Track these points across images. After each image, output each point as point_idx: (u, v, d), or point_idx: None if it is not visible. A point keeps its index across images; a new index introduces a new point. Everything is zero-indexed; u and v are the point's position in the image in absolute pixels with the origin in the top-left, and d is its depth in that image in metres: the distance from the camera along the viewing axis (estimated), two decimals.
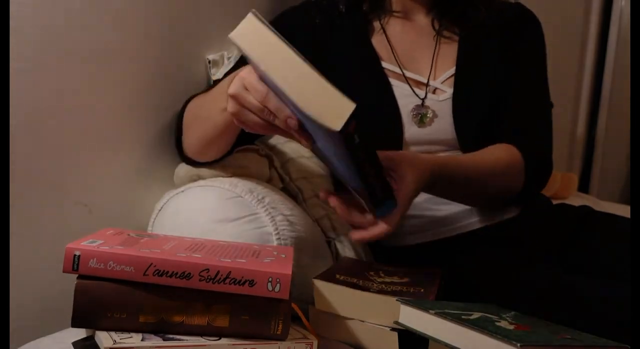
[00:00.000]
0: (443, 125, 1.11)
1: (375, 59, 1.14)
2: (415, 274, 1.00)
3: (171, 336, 0.73)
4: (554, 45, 1.30)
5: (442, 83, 1.13)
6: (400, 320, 0.83)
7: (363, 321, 0.87)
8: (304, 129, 0.78)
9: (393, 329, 0.84)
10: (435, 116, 1.11)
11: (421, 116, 1.11)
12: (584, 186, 2.42)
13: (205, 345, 0.72)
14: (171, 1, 1.12)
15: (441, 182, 0.97)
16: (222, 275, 0.73)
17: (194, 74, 1.17)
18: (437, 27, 1.17)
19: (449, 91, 1.12)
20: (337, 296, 0.89)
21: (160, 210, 1.07)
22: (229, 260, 0.75)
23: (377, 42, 1.16)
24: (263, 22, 0.72)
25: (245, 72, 0.80)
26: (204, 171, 1.08)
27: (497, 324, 0.76)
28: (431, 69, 1.14)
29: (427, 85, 1.12)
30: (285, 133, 0.82)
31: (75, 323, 0.72)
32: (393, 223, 0.85)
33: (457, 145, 1.12)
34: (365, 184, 0.80)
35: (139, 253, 0.73)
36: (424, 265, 1.06)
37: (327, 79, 0.69)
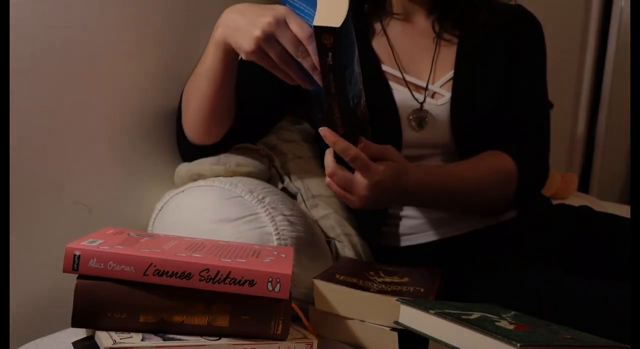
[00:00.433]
0: (440, 129, 1.11)
1: (376, 62, 1.14)
2: (415, 274, 1.00)
3: (171, 336, 0.73)
4: (554, 45, 1.29)
5: (440, 87, 1.13)
6: (400, 320, 0.83)
7: (363, 321, 0.87)
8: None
9: (393, 329, 0.84)
10: (433, 119, 1.11)
11: (419, 120, 1.11)
12: (584, 186, 2.42)
13: (205, 345, 0.72)
14: (171, 1, 1.12)
15: (423, 196, 1.00)
16: (222, 275, 0.73)
17: None
18: (437, 29, 1.16)
19: (447, 95, 1.12)
20: (337, 296, 0.89)
21: (160, 210, 1.07)
22: (229, 260, 0.75)
23: (378, 44, 1.16)
24: None
25: (284, 9, 0.86)
26: (204, 169, 1.08)
27: (497, 324, 0.76)
28: (430, 72, 1.14)
29: (425, 89, 1.12)
30: (288, 77, 0.89)
31: (75, 323, 0.72)
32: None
33: (454, 149, 1.12)
34: (329, 111, 0.84)
35: (139, 253, 0.73)
36: (424, 265, 1.06)
37: None
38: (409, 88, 1.12)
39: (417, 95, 1.12)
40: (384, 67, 1.14)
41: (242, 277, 0.73)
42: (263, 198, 1.01)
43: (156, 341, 0.71)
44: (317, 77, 0.86)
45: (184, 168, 1.10)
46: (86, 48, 1.00)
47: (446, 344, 0.76)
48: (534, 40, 1.20)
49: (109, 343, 0.68)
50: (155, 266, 0.72)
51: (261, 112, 1.14)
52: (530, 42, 1.19)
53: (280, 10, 0.86)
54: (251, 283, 0.73)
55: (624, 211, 1.31)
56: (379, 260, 1.15)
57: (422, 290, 0.91)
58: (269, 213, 0.99)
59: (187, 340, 0.72)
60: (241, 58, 0.97)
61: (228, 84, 1.01)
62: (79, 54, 0.99)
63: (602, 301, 0.86)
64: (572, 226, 1.11)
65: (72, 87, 0.99)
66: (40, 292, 0.97)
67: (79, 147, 1.02)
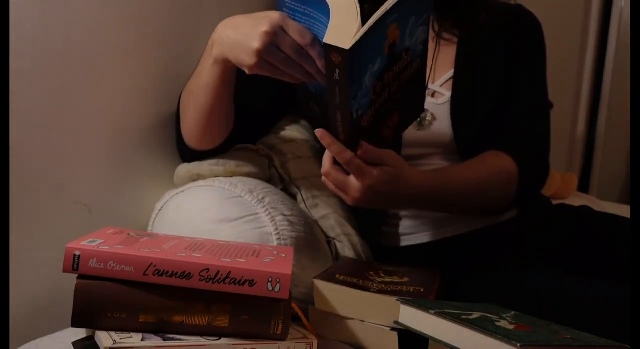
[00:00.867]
0: (441, 128, 1.11)
1: None
2: (415, 274, 1.00)
3: (171, 336, 0.73)
4: (554, 45, 1.29)
5: (440, 86, 1.13)
6: (400, 320, 0.83)
7: (363, 321, 0.87)
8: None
9: (393, 329, 0.84)
10: (434, 119, 1.11)
11: (420, 119, 1.11)
12: (584, 186, 2.42)
13: (205, 345, 0.72)
14: (171, 1, 1.12)
15: (422, 200, 1.01)
16: (222, 275, 0.73)
17: None
18: (437, 28, 1.16)
19: (447, 94, 1.12)
20: (337, 296, 0.89)
21: (160, 210, 1.07)
22: (229, 260, 0.75)
23: None
24: None
25: (278, 16, 0.85)
26: (204, 170, 1.08)
27: (497, 324, 0.76)
28: (430, 71, 1.14)
29: (426, 88, 1.12)
30: (294, 79, 0.88)
31: (75, 323, 0.72)
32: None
33: (455, 148, 1.12)
34: (332, 116, 0.84)
35: (139, 253, 0.73)
36: (424, 265, 1.06)
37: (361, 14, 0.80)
38: None
39: None
40: None
41: (242, 277, 0.73)
42: (263, 198, 1.01)
43: (156, 341, 0.71)
44: (320, 79, 0.86)
45: (184, 169, 1.10)
46: (86, 48, 1.00)
47: (446, 344, 0.76)
48: (534, 40, 1.20)
49: (109, 343, 0.68)
50: (155, 266, 0.72)
51: (260, 114, 1.14)
52: (531, 42, 1.19)
53: (275, 17, 0.84)
54: (251, 283, 0.73)
55: (624, 211, 1.31)
56: (379, 260, 1.15)
57: (422, 290, 0.91)
58: (269, 213, 0.99)
59: (187, 340, 0.72)
60: None
61: (226, 97, 1.01)
62: (79, 54, 0.99)
63: (602, 301, 0.86)
64: (572, 226, 1.11)
65: (72, 87, 0.99)
66: (40, 292, 0.97)
67: (79, 147, 1.02)
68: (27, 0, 0.92)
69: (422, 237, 1.14)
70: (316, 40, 0.84)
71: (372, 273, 0.98)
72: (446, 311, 0.79)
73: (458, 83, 1.12)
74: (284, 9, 0.86)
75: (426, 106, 1.11)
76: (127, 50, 1.06)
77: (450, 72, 1.13)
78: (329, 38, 0.77)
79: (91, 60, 1.01)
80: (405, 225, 1.15)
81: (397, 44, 0.83)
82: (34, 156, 0.96)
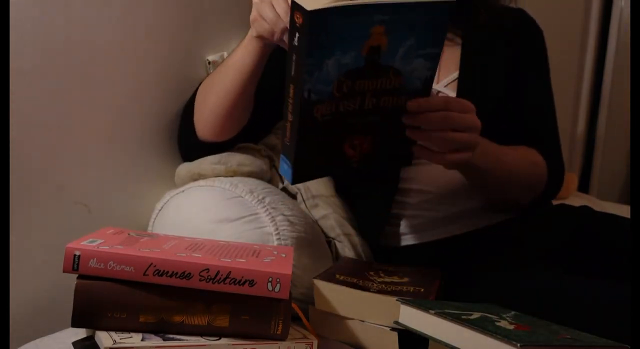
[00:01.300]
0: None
1: None
2: (415, 274, 1.00)
3: (171, 336, 0.73)
4: (554, 45, 1.30)
5: (445, 87, 1.13)
6: (400, 320, 0.83)
7: (363, 321, 0.87)
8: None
9: (393, 329, 0.84)
10: None
11: None
12: (584, 186, 2.42)
13: (205, 345, 0.72)
14: (171, 2, 1.12)
15: (490, 157, 0.99)
16: (222, 275, 0.73)
17: (194, 75, 1.17)
18: None
19: (451, 95, 1.12)
20: (337, 296, 0.89)
21: (160, 210, 1.07)
22: (229, 260, 0.75)
23: None
24: None
25: None
26: (205, 169, 1.08)
27: (497, 324, 0.76)
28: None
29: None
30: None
31: (75, 323, 0.72)
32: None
33: None
34: (286, 92, 0.81)
35: (139, 253, 0.73)
36: (424, 265, 1.06)
37: None
38: None
39: None
40: None
41: (242, 277, 0.73)
42: (263, 198, 1.01)
43: (156, 341, 0.71)
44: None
45: (185, 168, 1.10)
46: (86, 48, 1.00)
47: (446, 344, 0.76)
48: (537, 47, 1.22)
49: (109, 343, 0.68)
50: (155, 266, 0.72)
51: (268, 110, 1.14)
52: (534, 48, 1.22)
53: None
54: (251, 283, 0.73)
55: (624, 211, 1.31)
56: (379, 260, 1.15)
57: (422, 290, 0.91)
58: (269, 213, 0.99)
59: (187, 340, 0.72)
60: None
61: (253, 79, 1.02)
62: (79, 54, 0.99)
63: (602, 301, 0.86)
64: (572, 226, 1.11)
65: (72, 87, 0.99)
66: (40, 292, 0.97)
67: (79, 147, 1.02)
68: (27, 0, 0.92)
69: (422, 237, 1.14)
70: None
71: (372, 273, 0.98)
72: (446, 311, 0.79)
73: (463, 84, 1.12)
74: None
75: None
76: (127, 51, 1.06)
77: (455, 74, 1.14)
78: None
79: (91, 61, 1.01)
80: (405, 225, 1.15)
81: (381, 52, 0.80)
82: (34, 156, 0.96)
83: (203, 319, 0.74)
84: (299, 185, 1.17)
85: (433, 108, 0.86)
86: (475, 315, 0.79)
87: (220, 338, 0.74)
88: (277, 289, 0.73)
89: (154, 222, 1.08)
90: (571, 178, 1.97)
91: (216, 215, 0.99)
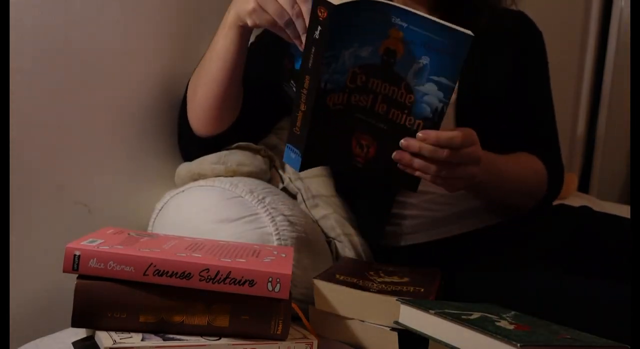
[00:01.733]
0: (446, 126, 1.11)
1: None
2: (415, 274, 1.00)
3: (171, 336, 0.73)
4: (554, 45, 1.30)
5: None
6: (400, 320, 0.83)
7: (363, 321, 0.87)
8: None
9: (393, 329, 0.84)
10: None
11: None
12: (584, 186, 2.42)
13: (205, 345, 0.72)
14: (170, 2, 1.12)
15: (492, 173, 1.00)
16: (222, 275, 0.73)
17: None
18: None
19: (452, 97, 1.12)
20: (337, 296, 0.89)
21: (160, 210, 1.07)
22: (229, 260, 0.75)
23: None
24: None
25: None
26: (205, 169, 1.07)
27: (497, 324, 0.76)
28: None
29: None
30: (287, 36, 0.89)
31: (75, 323, 0.72)
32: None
33: None
34: (299, 84, 0.82)
35: (139, 253, 0.73)
36: (424, 265, 1.06)
37: None
38: None
39: None
40: None
41: (242, 277, 0.73)
42: (263, 198, 1.01)
43: (156, 341, 0.71)
44: (298, 44, 0.86)
45: (185, 168, 1.10)
46: (86, 48, 1.00)
47: (446, 344, 0.76)
48: (537, 49, 1.23)
49: (109, 343, 0.68)
50: (155, 266, 0.72)
51: (265, 106, 1.14)
52: (534, 50, 1.23)
53: None
54: (251, 283, 0.73)
55: (624, 211, 1.31)
56: (379, 260, 1.15)
57: (422, 290, 0.91)
58: (269, 213, 0.99)
59: (187, 340, 0.72)
60: (249, 48, 1.00)
61: (238, 66, 1.02)
62: (79, 53, 0.99)
63: (602, 301, 0.87)
64: (572, 226, 1.12)
65: (72, 87, 0.99)
66: (40, 292, 0.97)
67: (79, 147, 1.02)
68: (27, 0, 0.92)
69: (422, 237, 1.14)
70: None
71: (372, 273, 0.98)
72: (446, 311, 0.79)
73: (464, 84, 1.12)
74: None
75: None
76: (127, 51, 1.06)
77: None
78: None
79: (91, 61, 1.01)
80: (406, 225, 1.15)
81: (397, 58, 0.82)
82: (34, 156, 0.96)
83: (203, 319, 0.74)
84: (299, 185, 1.17)
85: (443, 143, 0.86)
86: (475, 315, 0.79)
87: (220, 338, 0.74)
88: (277, 289, 0.73)
89: (154, 222, 1.08)
90: (571, 178, 1.97)
91: (216, 215, 0.99)
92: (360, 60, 0.82)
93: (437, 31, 0.80)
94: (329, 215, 1.15)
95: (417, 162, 0.86)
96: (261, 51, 1.12)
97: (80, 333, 0.76)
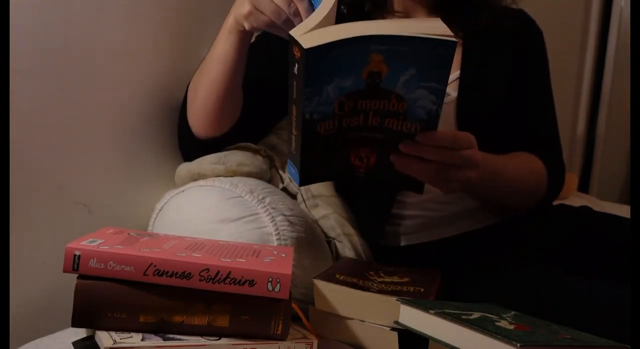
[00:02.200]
0: (447, 127, 1.11)
1: None
2: (415, 274, 1.00)
3: (171, 336, 0.73)
4: (554, 45, 1.30)
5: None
6: (400, 320, 0.83)
7: (363, 321, 0.87)
8: None
9: (393, 329, 0.84)
10: None
11: None
12: (584, 186, 2.42)
13: (205, 345, 0.72)
14: (171, 2, 1.12)
15: (490, 174, 1.00)
16: (222, 275, 0.73)
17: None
18: None
19: (453, 94, 1.12)
20: (337, 296, 0.89)
21: (160, 210, 1.07)
22: (229, 260, 0.75)
23: None
24: None
25: None
26: (205, 169, 1.08)
27: (497, 324, 0.76)
28: None
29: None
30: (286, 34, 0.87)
31: (75, 323, 0.72)
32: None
33: None
34: (290, 109, 0.81)
35: (139, 253, 0.73)
36: (424, 265, 1.06)
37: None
38: None
39: None
40: None
41: (242, 277, 0.73)
42: (263, 198, 1.01)
43: (156, 341, 0.71)
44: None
45: (185, 168, 1.10)
46: (86, 48, 1.00)
47: (446, 344, 0.76)
48: (538, 48, 1.23)
49: (109, 343, 0.68)
50: (155, 266, 0.72)
51: (266, 107, 1.14)
52: (535, 49, 1.22)
53: None
54: (251, 283, 0.73)
55: (624, 211, 1.31)
56: (379, 260, 1.15)
57: (422, 290, 0.91)
58: (269, 213, 0.99)
59: (187, 340, 0.72)
60: (250, 49, 1.00)
61: (239, 70, 1.02)
62: (79, 53, 0.99)
63: (602, 301, 0.86)
64: (572, 226, 1.11)
65: (72, 87, 0.99)
66: (40, 292, 0.97)
67: (78, 147, 1.02)
68: (27, 1, 0.92)
69: (422, 237, 1.14)
70: None
71: (372, 273, 0.98)
72: (446, 311, 0.79)
73: (464, 84, 1.12)
74: None
75: None
76: (127, 51, 1.06)
77: (456, 73, 1.14)
78: (297, 30, 0.75)
79: (91, 61, 1.01)
80: (405, 225, 1.15)
81: (382, 77, 0.79)
82: (34, 156, 0.96)
83: (203, 319, 0.74)
84: None
85: (442, 143, 0.86)
86: (475, 315, 0.79)
87: (220, 338, 0.74)
88: (277, 289, 0.73)
89: (154, 222, 1.08)
90: (571, 178, 1.97)
91: (216, 215, 0.99)
92: (345, 89, 0.79)
93: (418, 44, 0.77)
94: (329, 215, 1.15)
95: (416, 164, 0.86)
96: (261, 51, 1.12)
97: (80, 333, 0.76)
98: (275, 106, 1.14)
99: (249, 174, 1.09)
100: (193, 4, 1.16)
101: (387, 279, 0.95)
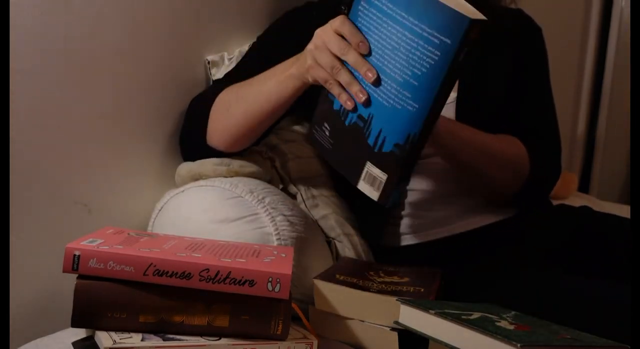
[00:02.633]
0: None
1: None
2: (415, 274, 1.00)
3: (171, 336, 0.73)
4: (554, 45, 1.30)
5: None
6: (400, 320, 0.83)
7: (363, 321, 0.87)
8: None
9: (393, 329, 0.84)
10: None
11: None
12: (584, 186, 2.42)
13: (205, 345, 0.72)
14: (171, 2, 1.12)
15: (452, 138, 1.00)
16: (222, 275, 0.73)
17: (194, 74, 1.17)
18: None
19: (452, 95, 1.12)
20: (337, 296, 0.89)
21: (160, 210, 1.07)
22: (229, 260, 0.75)
23: None
24: None
25: (338, 19, 0.86)
26: (207, 170, 1.07)
27: (497, 324, 0.76)
28: None
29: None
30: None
31: (75, 323, 0.72)
32: None
33: None
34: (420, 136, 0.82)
35: (138, 253, 0.73)
36: (424, 265, 1.06)
37: None
38: None
39: None
40: None
41: (242, 277, 0.73)
42: (263, 198, 1.01)
43: (156, 341, 0.71)
44: (356, 90, 0.86)
45: (186, 167, 1.10)
46: (86, 48, 1.00)
47: (446, 344, 0.76)
48: (537, 48, 1.22)
49: (109, 343, 0.68)
50: (155, 266, 0.72)
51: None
52: (535, 49, 1.22)
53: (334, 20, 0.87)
54: (251, 283, 0.73)
55: (624, 211, 1.31)
56: (379, 260, 1.15)
57: (422, 290, 0.91)
58: (269, 213, 0.99)
59: (187, 340, 0.72)
60: (251, 48, 1.03)
61: (285, 109, 1.02)
62: (78, 53, 0.99)
63: (602, 301, 0.86)
64: (572, 226, 1.11)
65: (72, 87, 0.99)
66: (40, 292, 0.97)
67: (78, 147, 1.02)
68: (27, 0, 0.92)
69: (422, 237, 1.14)
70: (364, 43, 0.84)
71: (372, 273, 0.98)
72: (446, 311, 0.79)
73: (464, 84, 1.12)
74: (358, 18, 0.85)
75: None
76: (127, 50, 1.06)
77: None
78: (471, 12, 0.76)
79: (91, 61, 1.01)
80: (406, 224, 1.15)
81: None
82: (34, 156, 0.96)
83: (203, 319, 0.74)
84: (299, 185, 1.17)
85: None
86: (475, 315, 0.79)
87: (220, 338, 0.74)
88: (277, 289, 0.73)
89: (154, 222, 1.08)
90: (571, 178, 1.97)
91: (216, 215, 0.99)
92: None
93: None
94: (329, 215, 1.15)
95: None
96: (265, 52, 1.12)
97: (80, 333, 0.76)
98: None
99: (250, 175, 1.09)
100: (193, 4, 1.16)
101: (387, 279, 0.95)
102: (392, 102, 0.83)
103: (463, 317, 0.77)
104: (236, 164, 1.08)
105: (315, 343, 0.79)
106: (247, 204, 1.00)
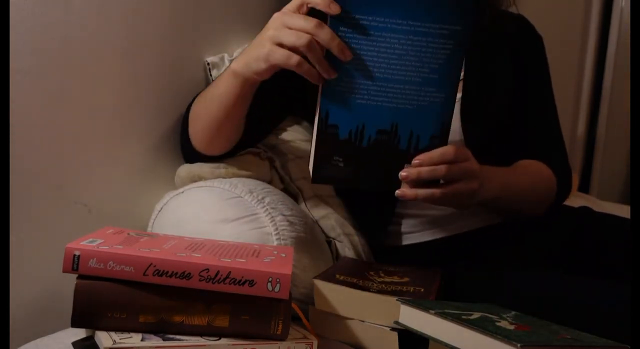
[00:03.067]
0: (452, 131, 1.11)
1: None
2: (415, 274, 1.00)
3: (171, 336, 0.73)
4: (554, 45, 1.30)
5: None
6: (400, 320, 0.83)
7: (363, 321, 0.87)
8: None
9: (393, 329, 0.84)
10: None
11: None
12: (584, 186, 2.42)
13: (205, 345, 0.72)
14: (171, 3, 1.12)
15: (492, 186, 0.99)
16: (222, 275, 0.73)
17: (194, 75, 1.17)
18: None
19: (457, 95, 1.12)
20: (337, 296, 0.89)
21: (160, 210, 1.07)
22: (229, 260, 0.75)
23: None
24: None
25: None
26: (206, 172, 1.08)
27: (497, 324, 0.76)
28: None
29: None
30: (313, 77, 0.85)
31: (75, 323, 0.72)
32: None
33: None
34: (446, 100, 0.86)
35: (138, 253, 0.73)
36: (424, 265, 1.06)
37: None
38: None
39: None
40: None
41: (242, 277, 0.73)
42: (263, 198, 1.01)
43: (156, 341, 0.71)
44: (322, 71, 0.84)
45: (185, 169, 1.10)
46: (86, 48, 1.00)
47: (446, 345, 0.76)
48: (539, 53, 1.23)
49: (109, 343, 0.68)
50: (155, 266, 0.72)
51: (268, 118, 1.14)
52: (535, 54, 1.23)
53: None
54: (251, 283, 0.73)
55: (624, 211, 1.31)
56: (379, 260, 1.15)
57: (422, 290, 0.91)
58: (269, 213, 0.99)
59: (187, 340, 0.72)
60: None
61: (240, 110, 1.00)
62: (78, 53, 0.99)
63: (602, 301, 0.86)
64: (572, 226, 1.12)
65: (71, 87, 0.99)
66: (40, 292, 0.97)
67: (78, 147, 1.02)
68: (27, 0, 0.92)
69: (422, 236, 1.14)
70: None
71: (372, 273, 0.98)
72: (446, 311, 0.79)
73: (468, 84, 1.12)
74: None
75: None
76: (127, 51, 1.06)
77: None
78: None
79: (91, 61, 1.01)
80: (406, 224, 1.15)
81: None
82: (34, 156, 0.96)
83: (203, 319, 0.74)
84: (299, 185, 1.17)
85: (436, 162, 0.87)
86: (475, 315, 0.79)
87: (220, 338, 0.74)
88: (277, 289, 0.73)
89: (153, 222, 1.08)
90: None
91: (216, 215, 0.99)
92: None
93: None
94: (329, 215, 1.15)
95: (422, 190, 0.88)
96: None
97: (80, 333, 0.76)
98: (278, 110, 1.15)
99: (249, 176, 1.09)
100: (193, 5, 1.16)
101: (387, 279, 0.95)
102: (415, 102, 0.86)
103: (463, 317, 0.77)
104: (235, 166, 1.08)
105: (315, 343, 0.79)
106: (247, 204, 1.00)
